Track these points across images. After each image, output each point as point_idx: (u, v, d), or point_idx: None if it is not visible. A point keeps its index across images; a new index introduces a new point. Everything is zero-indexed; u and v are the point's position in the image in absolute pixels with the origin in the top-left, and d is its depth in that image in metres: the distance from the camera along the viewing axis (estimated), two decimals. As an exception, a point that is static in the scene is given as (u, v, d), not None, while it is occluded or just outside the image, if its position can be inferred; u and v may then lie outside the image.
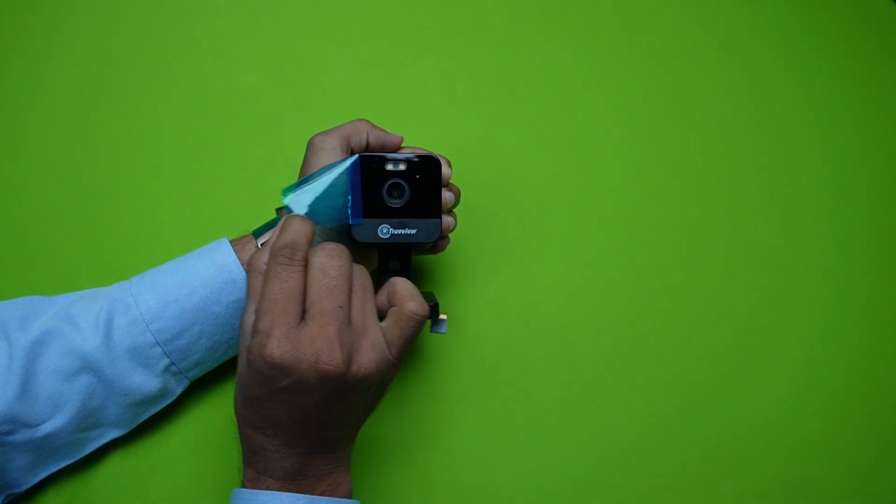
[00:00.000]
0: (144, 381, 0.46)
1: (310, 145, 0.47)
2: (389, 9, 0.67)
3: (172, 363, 0.46)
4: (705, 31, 0.70)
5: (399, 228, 0.44)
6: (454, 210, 0.50)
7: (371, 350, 0.38)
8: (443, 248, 0.49)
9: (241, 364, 0.38)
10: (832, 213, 0.64)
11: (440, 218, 0.45)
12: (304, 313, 0.37)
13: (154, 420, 0.50)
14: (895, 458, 0.56)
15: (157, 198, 0.58)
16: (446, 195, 0.47)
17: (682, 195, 0.63)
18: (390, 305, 0.40)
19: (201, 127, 0.62)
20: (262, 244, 0.46)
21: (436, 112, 0.64)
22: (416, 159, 0.44)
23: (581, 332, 0.57)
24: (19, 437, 0.43)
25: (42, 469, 0.47)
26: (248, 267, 0.40)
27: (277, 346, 0.35)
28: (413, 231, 0.44)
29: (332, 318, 0.36)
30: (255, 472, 0.39)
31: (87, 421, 0.46)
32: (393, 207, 0.44)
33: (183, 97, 0.62)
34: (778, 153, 0.65)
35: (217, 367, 0.50)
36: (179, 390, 0.49)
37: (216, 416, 0.52)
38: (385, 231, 0.43)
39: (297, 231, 0.39)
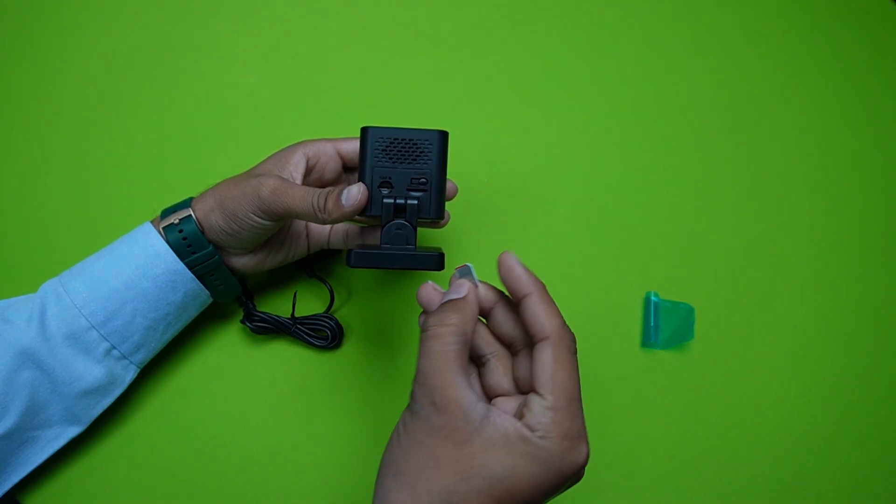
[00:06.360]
0: (87, 368, 0.45)
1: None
2: (389, 9, 0.68)
3: (113, 347, 0.46)
4: (704, 31, 0.70)
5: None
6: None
7: None
8: (444, 224, 0.50)
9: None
10: (833, 214, 0.64)
11: (444, 188, 0.46)
12: None
13: (110, 416, 0.50)
14: (894, 458, 0.56)
15: (158, 197, 0.58)
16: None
17: (681, 194, 0.63)
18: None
19: (202, 127, 0.62)
20: (164, 227, 0.47)
21: (435, 112, 0.64)
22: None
23: (578, 329, 0.57)
24: None
25: (5, 478, 0.46)
26: None
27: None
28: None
29: None
30: None
31: (38, 417, 0.45)
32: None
33: (183, 97, 0.63)
34: (778, 153, 0.65)
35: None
36: (129, 378, 0.48)
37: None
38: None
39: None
